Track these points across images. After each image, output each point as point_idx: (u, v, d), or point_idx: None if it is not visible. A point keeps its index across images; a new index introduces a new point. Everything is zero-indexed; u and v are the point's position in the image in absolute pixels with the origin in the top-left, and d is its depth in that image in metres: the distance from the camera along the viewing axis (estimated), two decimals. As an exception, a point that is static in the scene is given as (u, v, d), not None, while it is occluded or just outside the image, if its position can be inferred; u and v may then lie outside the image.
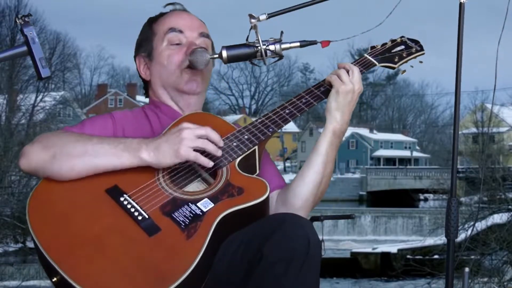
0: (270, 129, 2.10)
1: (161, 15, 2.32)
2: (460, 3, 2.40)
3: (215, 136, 1.97)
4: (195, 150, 1.94)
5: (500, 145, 46.59)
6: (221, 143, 1.99)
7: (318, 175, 2.13)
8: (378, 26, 2.30)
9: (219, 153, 1.98)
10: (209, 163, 1.94)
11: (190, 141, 1.93)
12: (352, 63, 2.26)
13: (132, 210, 1.87)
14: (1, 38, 29.37)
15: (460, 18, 2.41)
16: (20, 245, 17.88)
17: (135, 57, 2.33)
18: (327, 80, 2.20)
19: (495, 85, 2.68)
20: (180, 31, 2.25)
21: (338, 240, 24.93)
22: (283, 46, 2.12)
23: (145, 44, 2.29)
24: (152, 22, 2.31)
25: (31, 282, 15.39)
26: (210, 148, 1.96)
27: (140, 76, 2.34)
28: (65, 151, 1.96)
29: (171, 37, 2.24)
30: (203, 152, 1.97)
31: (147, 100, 2.37)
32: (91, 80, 78.27)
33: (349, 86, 2.14)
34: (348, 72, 2.17)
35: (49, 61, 33.35)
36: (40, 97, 28.77)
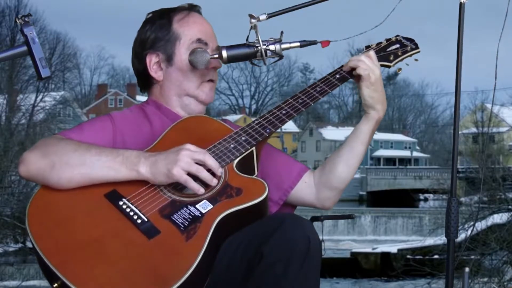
0: (267, 130, 2.10)
1: (182, 11, 2.25)
2: (460, 3, 2.41)
3: (212, 163, 1.93)
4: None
5: (500, 145, 46.56)
6: (219, 172, 1.95)
7: (359, 161, 2.24)
8: (378, 26, 2.31)
9: (213, 182, 1.93)
10: (199, 190, 1.91)
11: (185, 164, 1.90)
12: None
13: (131, 213, 1.87)
14: (1, 38, 29.38)
15: (460, 18, 2.41)
16: (20, 245, 17.85)
17: (144, 51, 2.22)
18: (345, 66, 2.21)
19: (495, 85, 2.68)
20: (206, 43, 2.21)
21: (338, 240, 24.91)
22: (283, 46, 2.12)
23: (164, 45, 2.20)
24: (172, 19, 2.22)
25: (31, 282, 15.37)
26: (204, 175, 1.91)
27: (144, 71, 2.23)
28: (63, 161, 1.95)
29: (197, 47, 2.18)
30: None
31: (144, 98, 2.33)
32: (91, 80, 78.19)
33: (372, 76, 2.16)
34: (364, 60, 2.17)
35: (49, 61, 33.37)
36: (40, 97, 28.80)
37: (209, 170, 1.94)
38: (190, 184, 1.90)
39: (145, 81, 2.27)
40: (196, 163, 1.91)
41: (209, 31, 2.25)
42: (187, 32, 2.21)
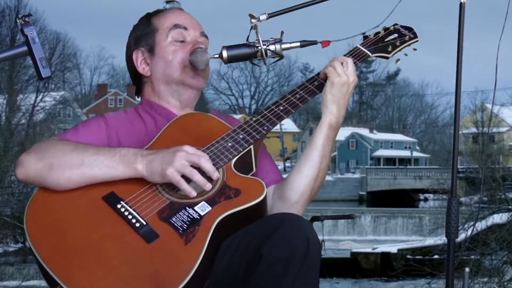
0: (265, 127, 2.09)
1: (160, 11, 2.29)
2: (460, 3, 2.41)
3: (208, 167, 1.90)
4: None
5: (500, 145, 46.55)
6: (215, 176, 1.91)
7: (315, 169, 2.10)
8: (378, 26, 2.30)
9: (207, 186, 1.89)
10: (191, 192, 1.88)
11: (180, 166, 1.88)
12: (345, 55, 2.25)
13: (130, 217, 1.86)
14: (1, 38, 29.39)
15: (460, 18, 2.41)
16: (20, 245, 17.85)
17: (131, 51, 2.26)
18: (321, 73, 2.19)
19: (495, 85, 2.68)
20: (185, 28, 2.23)
21: (338, 240, 24.92)
22: (283, 46, 2.12)
23: (145, 39, 2.24)
24: (150, 17, 2.28)
25: (31, 282, 15.38)
26: (197, 179, 1.88)
27: (135, 71, 2.26)
28: (62, 162, 1.95)
29: (176, 33, 2.22)
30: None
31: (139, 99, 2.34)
32: (91, 80, 78.21)
33: (344, 78, 2.12)
34: (342, 64, 2.15)
35: (49, 61, 33.35)
36: (40, 97, 28.80)
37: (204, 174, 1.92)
38: (182, 186, 1.87)
39: (138, 83, 2.30)
40: (192, 165, 1.90)
41: (187, 18, 2.27)
42: (164, 22, 2.24)
